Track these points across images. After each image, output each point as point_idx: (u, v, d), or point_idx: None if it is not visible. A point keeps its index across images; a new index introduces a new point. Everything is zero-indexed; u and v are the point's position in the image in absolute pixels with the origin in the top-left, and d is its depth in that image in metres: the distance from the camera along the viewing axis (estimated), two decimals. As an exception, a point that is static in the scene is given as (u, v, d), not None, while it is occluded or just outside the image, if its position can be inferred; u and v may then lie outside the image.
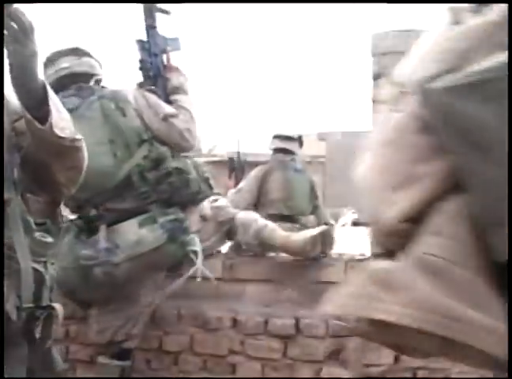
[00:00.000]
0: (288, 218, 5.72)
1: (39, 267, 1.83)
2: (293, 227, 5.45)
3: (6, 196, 1.76)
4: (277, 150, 6.19)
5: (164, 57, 3.55)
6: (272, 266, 3.56)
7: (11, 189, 1.79)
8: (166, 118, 3.35)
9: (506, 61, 1.19)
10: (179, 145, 3.38)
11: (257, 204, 5.80)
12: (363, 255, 3.51)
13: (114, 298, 3.34)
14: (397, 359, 3.29)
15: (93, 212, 3.25)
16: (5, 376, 1.63)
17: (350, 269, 3.44)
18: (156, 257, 3.24)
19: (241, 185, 6.11)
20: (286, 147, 6.16)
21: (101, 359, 3.42)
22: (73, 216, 3.44)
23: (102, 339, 3.39)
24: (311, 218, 6.02)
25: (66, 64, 3.39)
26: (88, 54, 3.46)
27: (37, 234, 1.85)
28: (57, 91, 3.32)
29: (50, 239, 1.87)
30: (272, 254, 3.73)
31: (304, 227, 5.44)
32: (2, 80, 1.60)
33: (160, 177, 3.27)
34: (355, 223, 22.47)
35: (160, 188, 3.27)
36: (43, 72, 3.37)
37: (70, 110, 3.18)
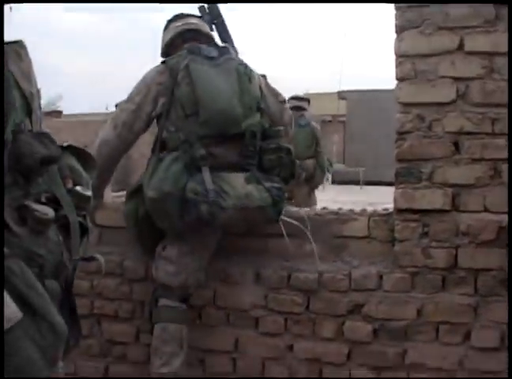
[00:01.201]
0: None
1: (82, 220, 1.85)
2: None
3: None
4: (292, 108, 7.94)
5: None
6: (295, 220, 3.55)
7: None
8: (284, 101, 3.82)
9: None
10: (286, 128, 3.74)
11: None
12: (386, 210, 3.50)
13: (191, 240, 3.43)
14: (419, 313, 3.31)
15: (201, 152, 3.32)
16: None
17: (373, 224, 3.45)
18: (258, 216, 3.39)
19: None
20: (300, 105, 8.48)
21: (166, 302, 3.44)
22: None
23: (175, 281, 3.43)
24: (311, 161, 8.36)
25: (194, 21, 3.77)
26: None
27: (78, 188, 1.86)
28: (180, 41, 3.67)
29: (89, 193, 1.88)
30: (295, 209, 3.73)
31: (305, 169, 8.17)
32: (2, 80, 1.59)
33: (270, 148, 3.49)
34: (368, 183, 22.57)
35: (267, 157, 3.48)
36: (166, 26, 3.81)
37: (211, 58, 3.51)
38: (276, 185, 3.41)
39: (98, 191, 3.58)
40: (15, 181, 1.67)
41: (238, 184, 3.33)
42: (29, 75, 1.77)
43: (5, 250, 1.56)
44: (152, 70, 3.58)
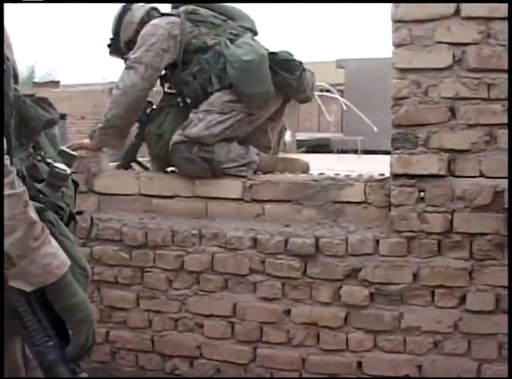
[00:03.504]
0: None
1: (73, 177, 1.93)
2: None
3: None
4: None
5: None
6: (291, 186, 3.58)
7: None
8: None
9: None
10: None
11: None
12: (382, 175, 3.52)
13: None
14: (415, 278, 3.34)
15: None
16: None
17: (369, 189, 3.47)
18: None
19: None
20: None
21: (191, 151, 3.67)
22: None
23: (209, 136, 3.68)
24: None
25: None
26: None
27: (65, 148, 1.94)
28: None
29: (75, 152, 1.96)
30: (291, 175, 3.75)
31: None
32: (2, 81, 1.61)
33: None
34: (366, 151, 22.63)
35: None
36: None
37: None
38: None
39: (121, 132, 3.91)
40: (20, 143, 1.75)
41: None
42: (9, 44, 1.81)
43: (39, 205, 1.65)
44: (156, 21, 3.92)
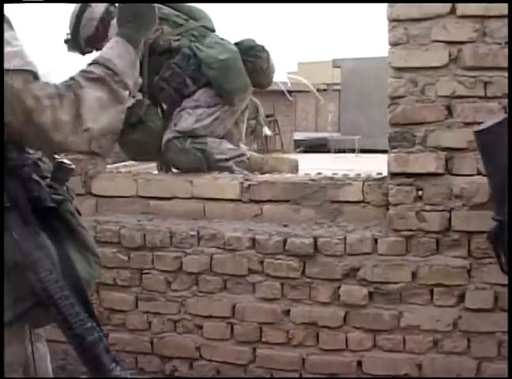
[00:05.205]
0: None
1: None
2: None
3: None
4: None
5: None
6: (289, 186, 3.58)
7: None
8: None
9: None
10: None
11: None
12: (380, 174, 3.52)
13: None
14: (414, 276, 3.34)
15: None
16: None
17: (367, 188, 3.47)
18: None
19: None
20: None
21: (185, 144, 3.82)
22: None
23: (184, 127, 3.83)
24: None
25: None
26: None
27: (63, 159, 1.96)
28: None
29: (73, 165, 1.99)
30: (289, 175, 3.76)
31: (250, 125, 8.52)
32: (2, 80, 1.60)
33: None
34: (363, 151, 22.66)
35: None
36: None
37: None
38: None
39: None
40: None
41: None
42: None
43: (59, 196, 1.75)
44: None
